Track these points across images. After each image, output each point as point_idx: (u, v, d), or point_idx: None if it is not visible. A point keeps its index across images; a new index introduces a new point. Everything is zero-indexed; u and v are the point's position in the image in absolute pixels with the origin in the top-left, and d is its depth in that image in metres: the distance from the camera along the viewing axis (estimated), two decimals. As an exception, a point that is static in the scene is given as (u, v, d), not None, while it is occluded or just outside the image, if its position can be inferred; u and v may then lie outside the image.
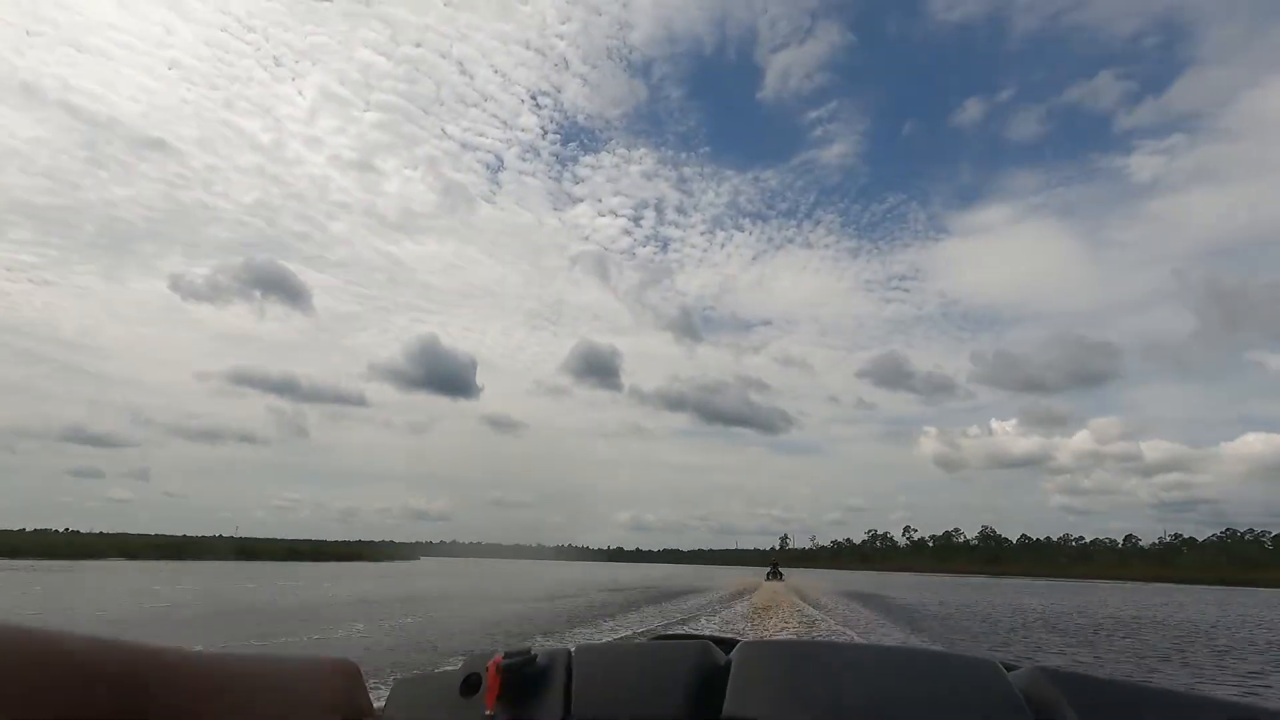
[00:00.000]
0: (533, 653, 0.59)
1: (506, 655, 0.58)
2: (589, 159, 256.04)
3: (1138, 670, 9.03)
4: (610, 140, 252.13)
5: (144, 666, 0.44)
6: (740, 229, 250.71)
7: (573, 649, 0.61)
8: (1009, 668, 0.58)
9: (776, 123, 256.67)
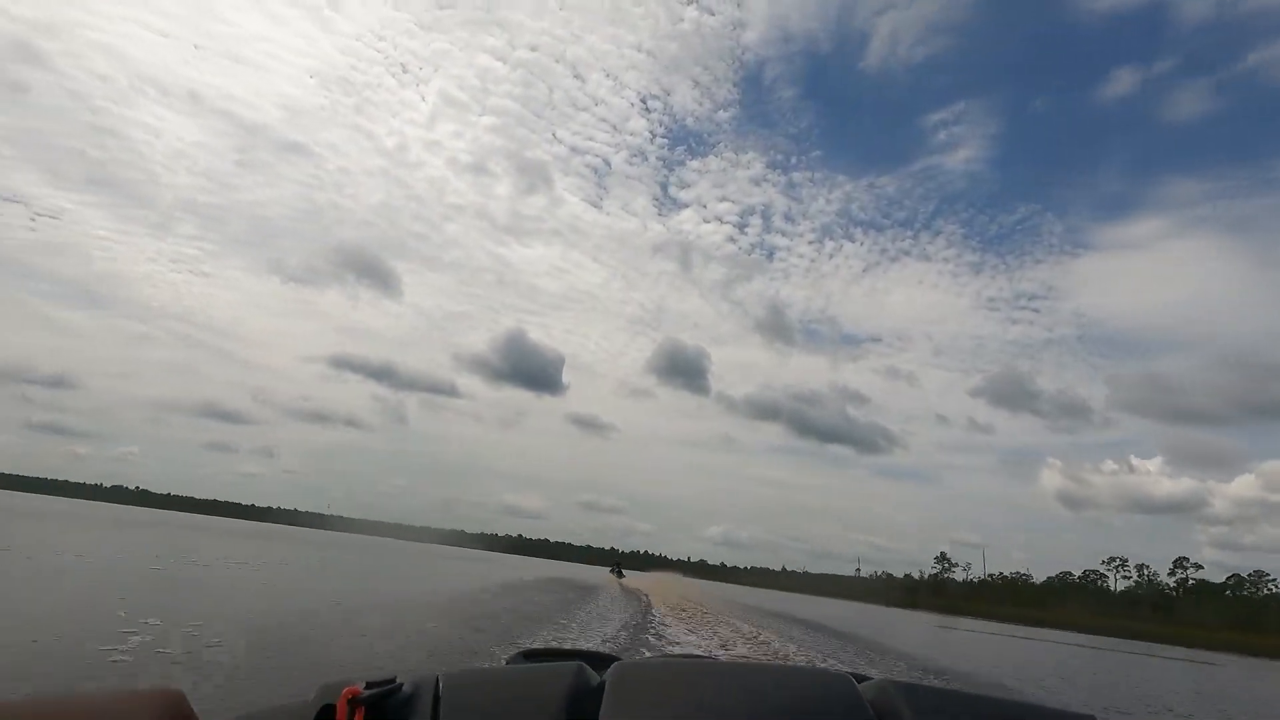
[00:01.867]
0: (397, 681, 0.54)
1: (367, 685, 0.53)
2: (696, 163, 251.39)
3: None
4: (718, 144, 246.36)
5: None
6: (851, 238, 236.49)
7: (440, 675, 0.56)
8: (860, 679, 0.62)
9: (896, 126, 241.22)
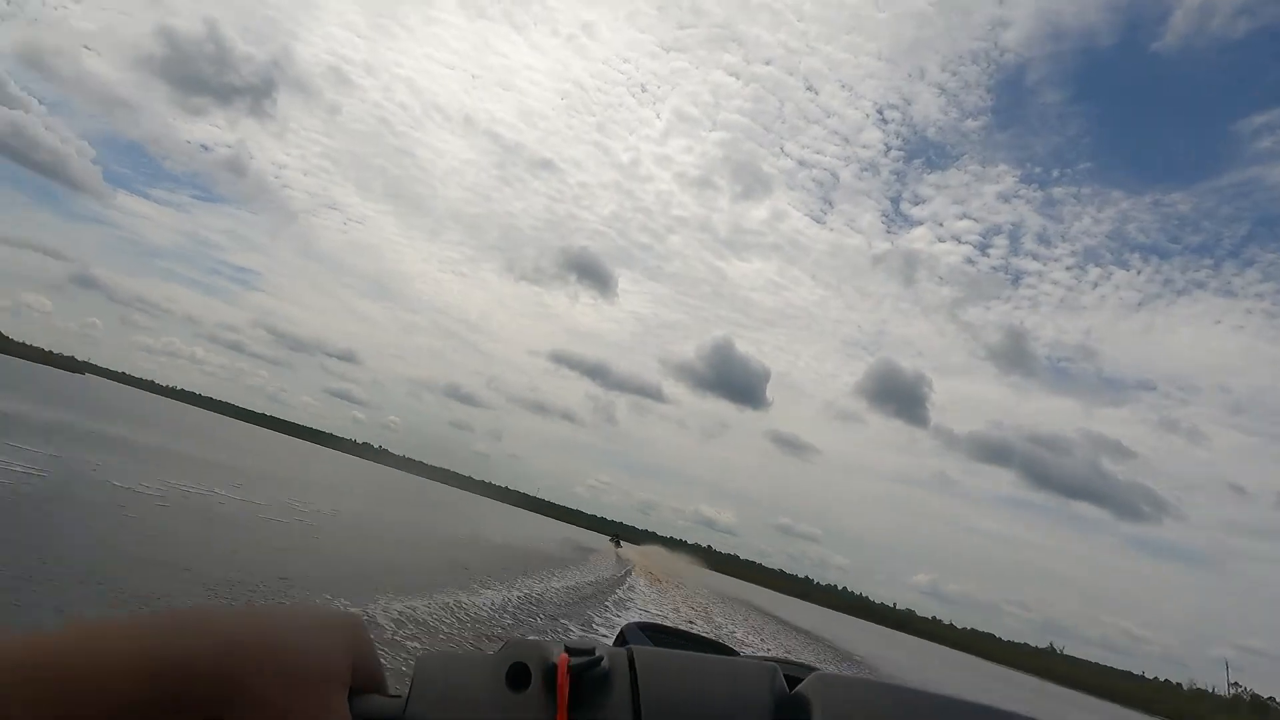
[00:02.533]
0: (598, 653, 0.51)
1: (571, 652, 0.51)
2: (934, 177, 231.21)
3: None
4: (961, 156, 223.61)
5: (174, 635, 0.49)
6: (1124, 265, 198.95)
7: (632, 651, 0.53)
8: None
9: (1199, 129, 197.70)
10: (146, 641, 0.49)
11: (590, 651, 0.51)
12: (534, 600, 10.11)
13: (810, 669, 0.53)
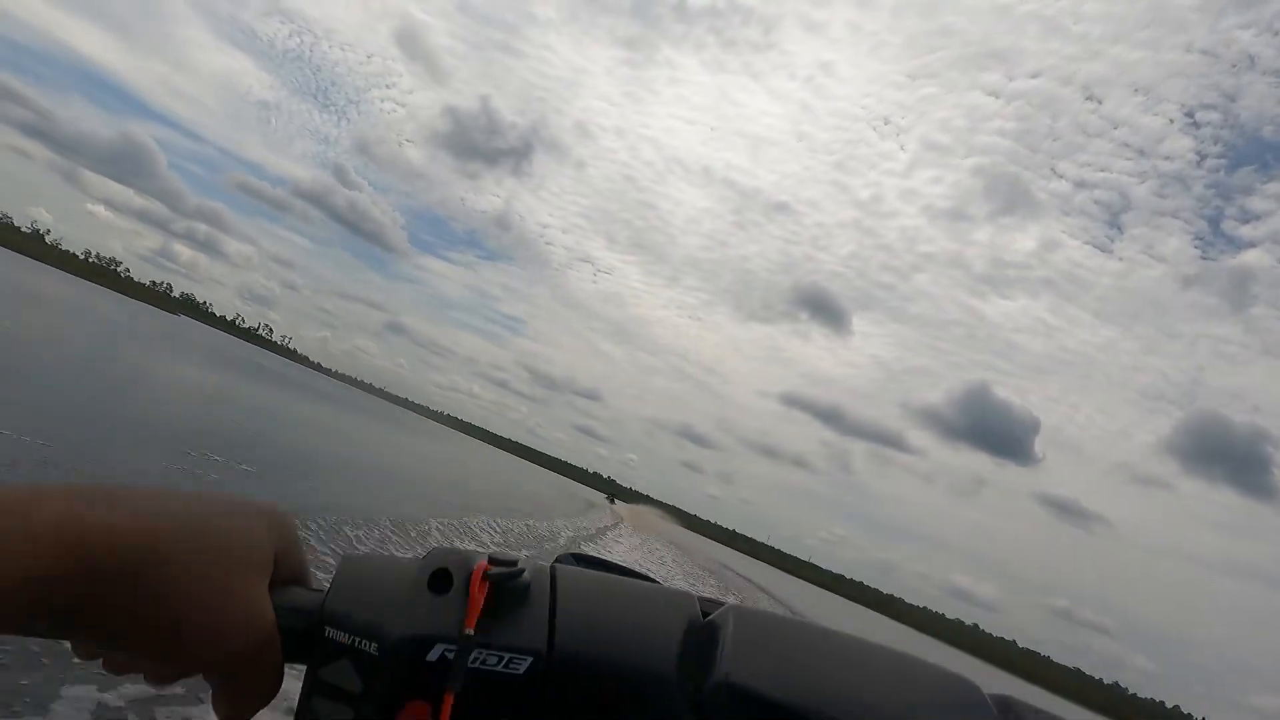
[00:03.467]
0: (519, 565, 0.52)
1: (492, 561, 0.52)
2: (1274, 187, 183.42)
3: None
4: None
5: (80, 509, 0.49)
6: None
7: (555, 567, 0.53)
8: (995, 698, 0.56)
9: None
10: (69, 508, 0.49)
11: (513, 563, 0.51)
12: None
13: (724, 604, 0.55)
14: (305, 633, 0.50)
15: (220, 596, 0.49)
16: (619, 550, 18.18)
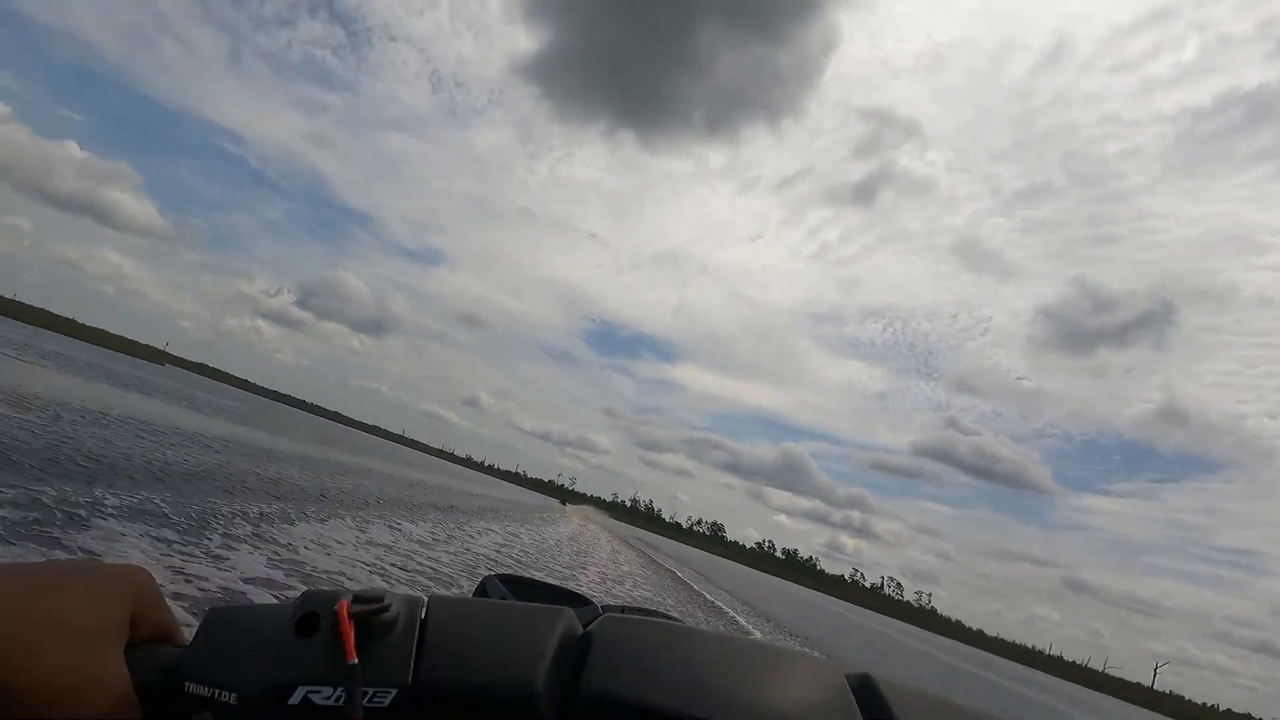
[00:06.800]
0: (385, 601, 0.52)
1: (356, 598, 0.52)
2: None
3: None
4: None
5: None
6: None
7: (428, 598, 0.56)
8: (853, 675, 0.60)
9: None
10: None
11: (379, 598, 0.52)
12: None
13: (652, 614, 0.61)
14: (165, 690, 0.49)
15: (69, 674, 0.47)
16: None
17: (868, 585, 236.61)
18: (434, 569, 7.61)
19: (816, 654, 0.54)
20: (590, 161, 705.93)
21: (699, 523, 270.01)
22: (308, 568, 5.88)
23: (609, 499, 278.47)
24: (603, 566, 15.58)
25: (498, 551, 11.56)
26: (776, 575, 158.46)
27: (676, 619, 0.57)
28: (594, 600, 0.82)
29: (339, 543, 7.40)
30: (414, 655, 0.52)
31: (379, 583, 6.12)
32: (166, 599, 0.52)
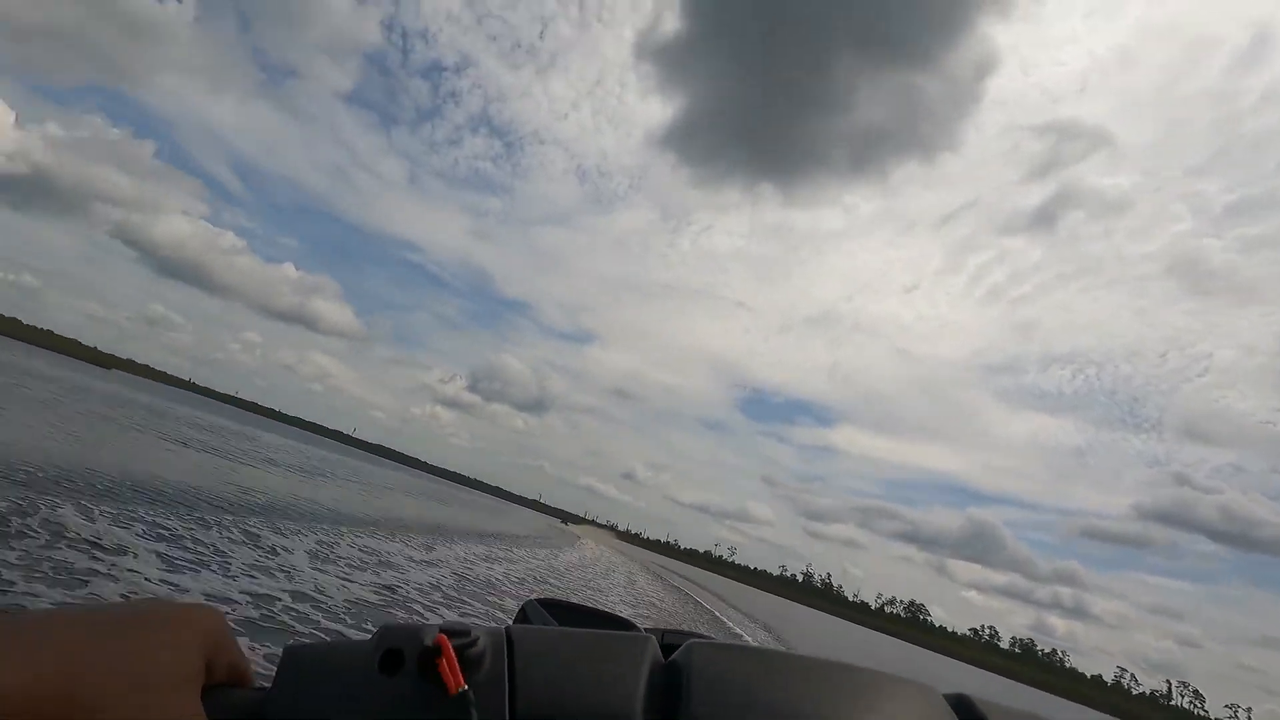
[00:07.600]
0: (473, 634, 0.51)
1: (446, 633, 0.51)
2: None
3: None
4: None
5: None
6: None
7: (508, 629, 0.55)
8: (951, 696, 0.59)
9: None
10: None
11: (466, 632, 0.51)
12: None
13: (691, 636, 0.58)
14: None
15: None
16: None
17: (1138, 692, 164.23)
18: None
19: (911, 677, 0.55)
20: (732, 229, 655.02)
21: (891, 601, 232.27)
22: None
23: (776, 573, 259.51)
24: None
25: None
26: (1007, 674, 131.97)
27: (760, 646, 0.56)
28: (636, 624, 0.80)
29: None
30: (507, 688, 0.51)
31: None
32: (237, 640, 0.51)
